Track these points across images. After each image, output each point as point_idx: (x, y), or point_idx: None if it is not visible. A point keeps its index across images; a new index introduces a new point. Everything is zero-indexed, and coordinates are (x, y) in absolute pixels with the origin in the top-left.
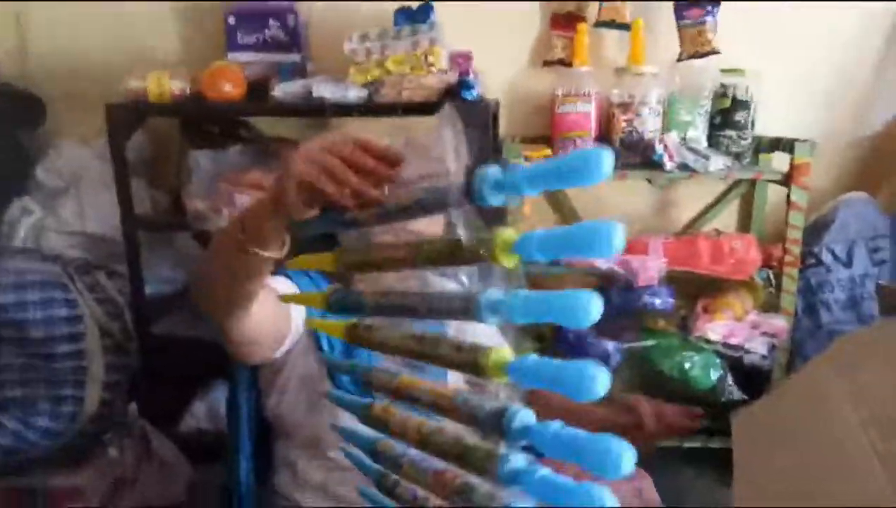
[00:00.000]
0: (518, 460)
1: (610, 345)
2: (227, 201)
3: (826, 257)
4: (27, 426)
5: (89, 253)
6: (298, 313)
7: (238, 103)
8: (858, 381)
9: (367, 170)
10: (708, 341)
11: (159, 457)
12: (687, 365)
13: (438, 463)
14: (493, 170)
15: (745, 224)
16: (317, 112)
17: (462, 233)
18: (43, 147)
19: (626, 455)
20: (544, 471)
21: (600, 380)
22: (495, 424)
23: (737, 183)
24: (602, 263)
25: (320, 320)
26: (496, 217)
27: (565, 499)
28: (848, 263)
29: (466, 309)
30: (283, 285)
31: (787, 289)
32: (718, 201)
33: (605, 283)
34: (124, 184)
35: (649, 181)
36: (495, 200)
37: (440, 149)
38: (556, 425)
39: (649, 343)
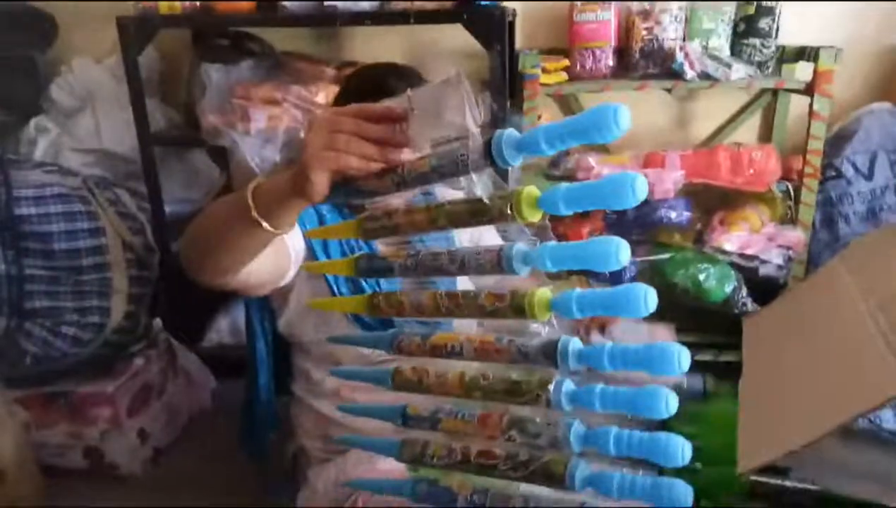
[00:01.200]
0: (572, 383)
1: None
2: (240, 116)
3: (847, 169)
4: (55, 334)
5: (107, 170)
6: (298, 239)
7: (248, 14)
8: (869, 276)
9: (378, 138)
10: (723, 252)
11: (184, 370)
12: (701, 277)
13: (479, 410)
14: (510, 132)
15: (766, 137)
16: (328, 22)
17: (481, 192)
18: (56, 65)
19: (683, 354)
20: (601, 386)
21: (651, 298)
22: (550, 354)
23: (759, 94)
24: None
25: (322, 263)
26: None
27: (631, 404)
28: (869, 175)
29: (497, 263)
30: None
31: (806, 202)
32: (739, 113)
33: None
34: (139, 99)
35: (669, 91)
36: (515, 161)
37: (455, 112)
38: (607, 344)
39: (664, 256)
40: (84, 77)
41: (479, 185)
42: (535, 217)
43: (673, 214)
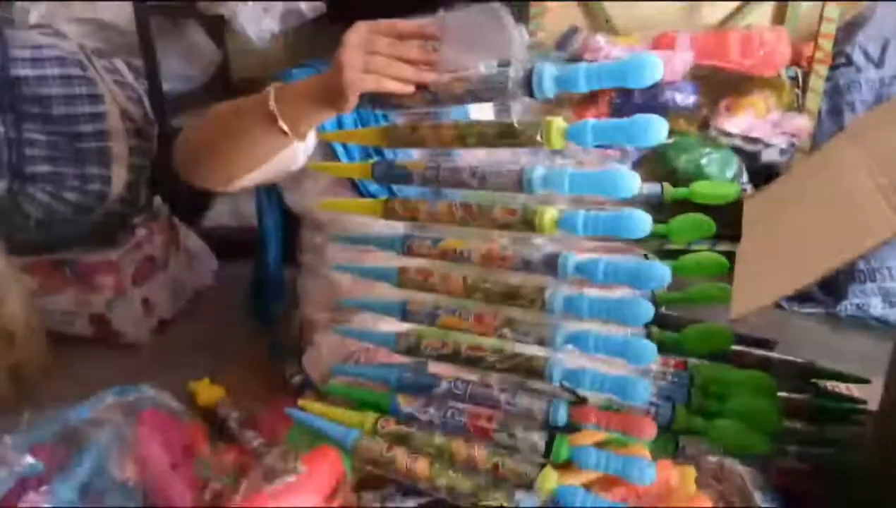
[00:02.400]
0: (566, 290)
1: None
2: None
3: (857, 56)
4: (57, 199)
5: (102, 42)
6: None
7: None
8: (872, 144)
9: (413, 59)
10: (727, 134)
11: (186, 247)
12: (703, 161)
13: (477, 310)
14: (551, 67)
15: (779, 23)
16: None
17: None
18: None
19: (665, 275)
20: (591, 296)
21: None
22: (551, 264)
23: None
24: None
25: (338, 165)
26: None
27: (615, 311)
28: (879, 63)
29: (518, 182)
30: None
31: (814, 88)
32: None
33: None
34: None
35: None
36: (551, 93)
37: (499, 41)
38: (603, 259)
39: (667, 141)
40: None
41: (513, 111)
42: (562, 145)
43: (679, 97)
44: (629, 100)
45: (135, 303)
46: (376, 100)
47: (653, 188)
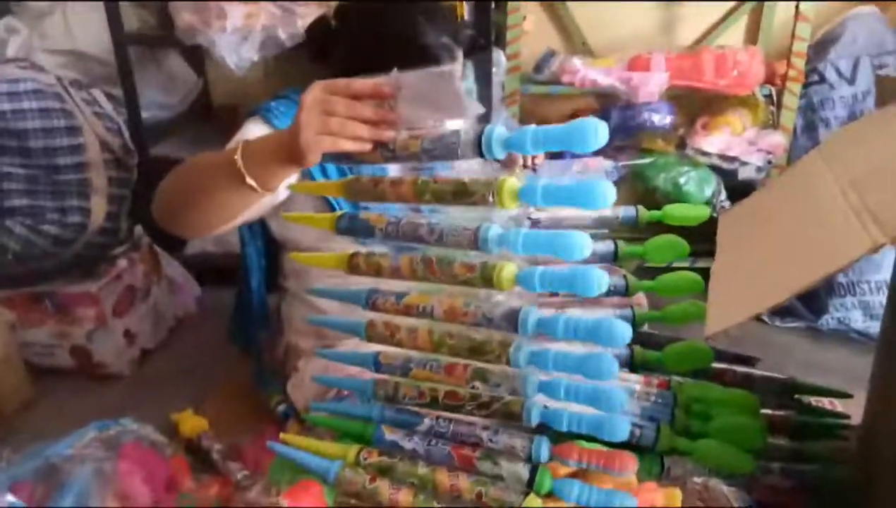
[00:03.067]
0: (530, 346)
1: (608, 165)
2: (215, 13)
3: (830, 74)
4: (36, 232)
5: (81, 73)
6: None
7: None
8: (844, 161)
9: (370, 118)
10: (704, 153)
11: (168, 275)
12: (682, 180)
13: (447, 362)
14: (501, 131)
15: (752, 43)
16: None
17: (467, 177)
18: None
19: (622, 328)
20: (556, 350)
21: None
22: (511, 321)
23: None
24: (603, 80)
25: (304, 215)
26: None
27: (579, 368)
28: (851, 80)
29: (474, 241)
30: (258, 130)
31: (788, 106)
32: (726, 17)
33: (604, 102)
34: None
35: None
36: (500, 155)
37: (451, 103)
38: (563, 316)
39: (646, 160)
40: None
41: (466, 170)
42: (514, 205)
43: (656, 117)
44: (607, 121)
45: (116, 334)
46: (338, 157)
47: (628, 211)
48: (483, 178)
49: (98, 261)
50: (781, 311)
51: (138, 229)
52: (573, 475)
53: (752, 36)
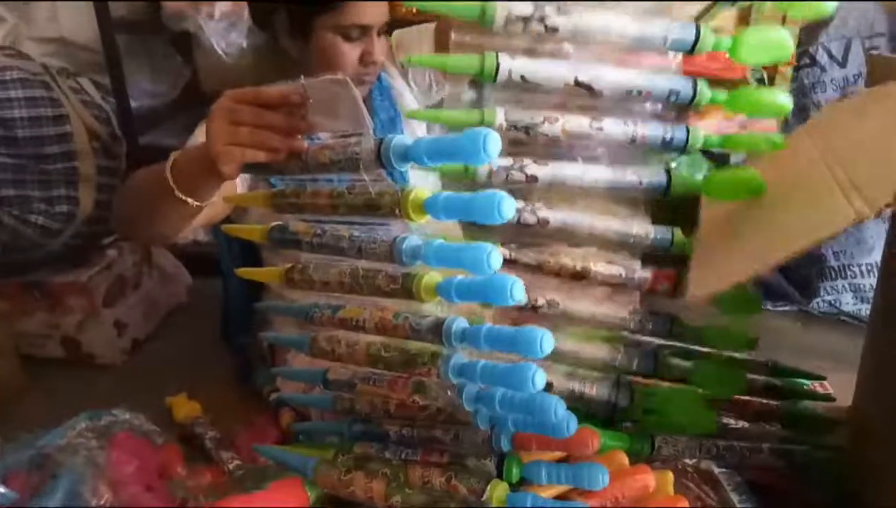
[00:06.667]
0: (459, 358)
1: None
2: None
3: (821, 56)
4: (24, 223)
5: (68, 60)
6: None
7: None
8: (830, 136)
9: (280, 126)
10: None
11: (159, 266)
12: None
13: (388, 376)
14: (399, 141)
15: (744, 25)
16: None
17: (373, 188)
18: None
19: (545, 337)
20: (483, 362)
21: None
22: (437, 332)
23: None
24: None
25: (241, 227)
26: None
27: (504, 379)
28: (843, 63)
29: (389, 253)
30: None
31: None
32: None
33: None
34: None
35: None
36: (402, 167)
37: (349, 111)
38: (486, 326)
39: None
40: None
41: (372, 182)
42: (422, 218)
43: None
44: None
45: (106, 325)
46: (256, 167)
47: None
48: (391, 190)
49: (87, 251)
50: (772, 295)
51: None
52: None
53: (743, 19)
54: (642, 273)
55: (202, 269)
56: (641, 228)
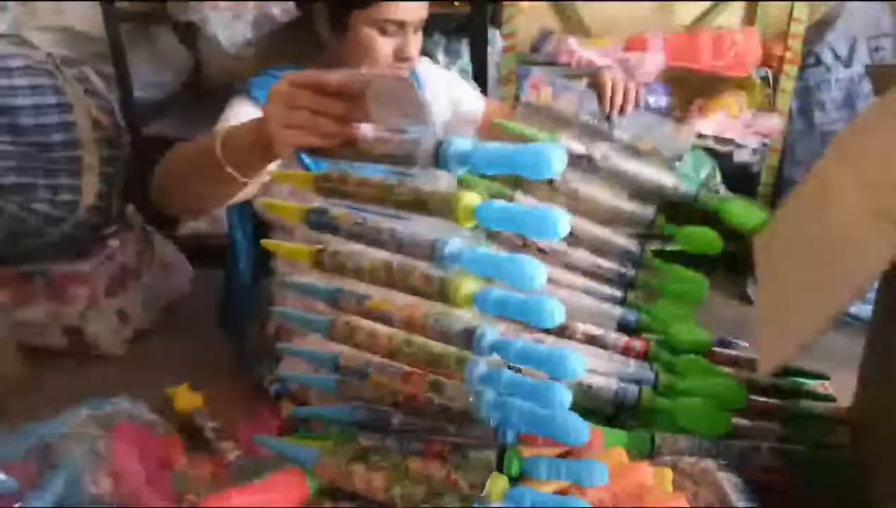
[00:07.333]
0: (485, 365)
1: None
2: None
3: (826, 56)
4: (27, 211)
5: (72, 50)
6: None
7: None
8: (856, 160)
9: (337, 115)
10: (700, 136)
11: (161, 256)
12: (677, 163)
13: (405, 370)
14: (458, 145)
15: (749, 23)
16: None
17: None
18: None
19: (579, 364)
20: (509, 373)
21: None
22: (467, 339)
23: None
24: (599, 60)
25: (282, 204)
26: None
27: (530, 394)
28: (848, 62)
29: (430, 254)
30: (244, 108)
31: (785, 88)
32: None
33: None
34: None
35: None
36: (457, 170)
37: (412, 109)
38: (520, 341)
39: None
40: None
41: (427, 180)
42: (471, 223)
43: (652, 99)
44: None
45: (109, 314)
46: (307, 151)
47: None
48: (443, 192)
49: (90, 241)
50: None
51: (130, 209)
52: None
53: (749, 18)
54: (616, 337)
55: (203, 261)
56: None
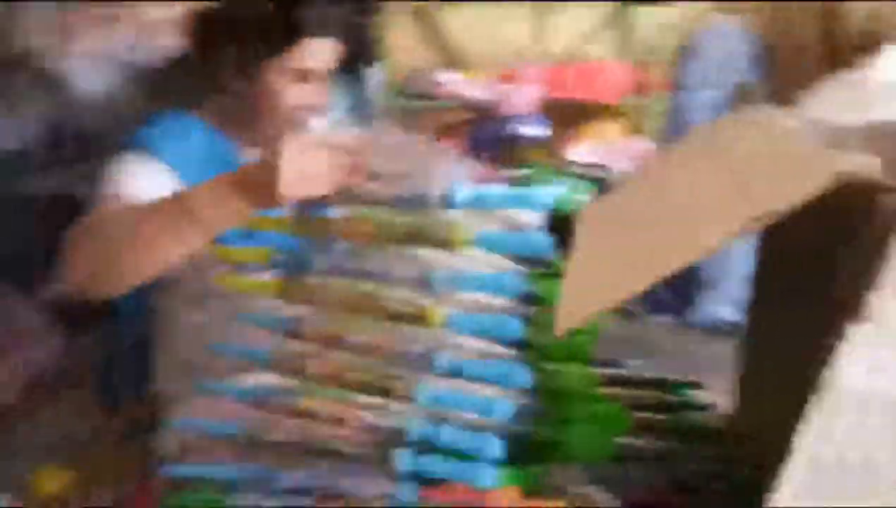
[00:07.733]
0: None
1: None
2: (66, 34)
3: (693, 80)
4: None
5: None
6: None
7: None
8: (708, 150)
9: (347, 168)
10: (574, 163)
11: (21, 323)
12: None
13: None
14: (467, 187)
15: (620, 52)
16: None
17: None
18: None
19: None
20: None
21: None
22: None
23: (613, 8)
24: (475, 93)
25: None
26: None
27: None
28: (714, 86)
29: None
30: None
31: (654, 114)
32: (594, 29)
33: (477, 115)
34: None
35: None
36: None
37: (425, 168)
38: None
39: (524, 172)
40: None
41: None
42: (469, 252)
43: (529, 130)
44: (482, 133)
45: None
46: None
47: None
48: (438, 222)
49: None
50: (652, 306)
51: None
52: None
53: (622, 45)
54: None
55: (75, 325)
56: None
